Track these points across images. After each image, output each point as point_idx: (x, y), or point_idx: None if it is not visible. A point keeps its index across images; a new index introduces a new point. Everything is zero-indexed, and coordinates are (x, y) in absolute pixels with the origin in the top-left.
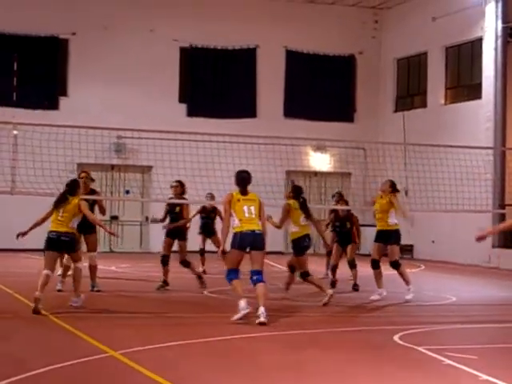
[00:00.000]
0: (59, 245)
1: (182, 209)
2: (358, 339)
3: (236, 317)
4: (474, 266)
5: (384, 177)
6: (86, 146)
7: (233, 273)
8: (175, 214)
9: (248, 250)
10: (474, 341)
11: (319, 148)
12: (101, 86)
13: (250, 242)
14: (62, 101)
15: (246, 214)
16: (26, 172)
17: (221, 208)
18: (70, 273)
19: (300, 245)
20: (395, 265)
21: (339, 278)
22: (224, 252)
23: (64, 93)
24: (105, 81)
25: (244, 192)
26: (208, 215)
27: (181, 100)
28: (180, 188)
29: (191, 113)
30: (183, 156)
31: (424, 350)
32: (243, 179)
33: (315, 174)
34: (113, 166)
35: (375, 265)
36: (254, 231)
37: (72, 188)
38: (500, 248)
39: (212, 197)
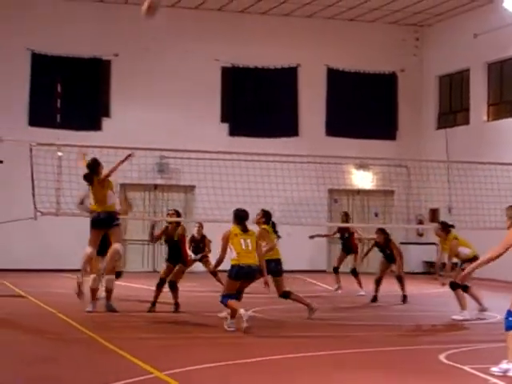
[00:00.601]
0: (99, 222)
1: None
2: (403, 358)
3: (244, 325)
4: None
5: (428, 195)
6: (130, 166)
7: (228, 296)
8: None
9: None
10: None
11: (362, 166)
12: (143, 106)
13: (245, 274)
14: (105, 122)
15: (243, 247)
16: (70, 193)
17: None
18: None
19: (278, 267)
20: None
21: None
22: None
23: (107, 114)
24: (147, 101)
25: (244, 229)
26: (197, 245)
27: (223, 120)
28: (176, 216)
29: (233, 132)
30: (226, 176)
31: (469, 369)
32: (241, 217)
33: (358, 192)
34: (156, 186)
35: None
36: (250, 266)
37: (93, 168)
38: None
39: (201, 226)
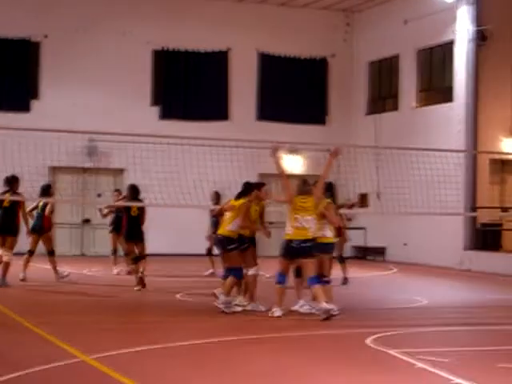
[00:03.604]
0: None
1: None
2: (329, 343)
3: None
4: (446, 268)
5: (357, 180)
6: (58, 149)
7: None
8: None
9: None
10: (445, 344)
11: (292, 151)
12: (73, 88)
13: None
14: (34, 103)
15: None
16: None
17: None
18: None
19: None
20: None
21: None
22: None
23: (35, 95)
24: (77, 83)
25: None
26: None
27: (153, 103)
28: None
29: (163, 116)
30: (155, 159)
31: (396, 354)
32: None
33: (288, 176)
34: (85, 169)
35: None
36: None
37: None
38: (472, 250)
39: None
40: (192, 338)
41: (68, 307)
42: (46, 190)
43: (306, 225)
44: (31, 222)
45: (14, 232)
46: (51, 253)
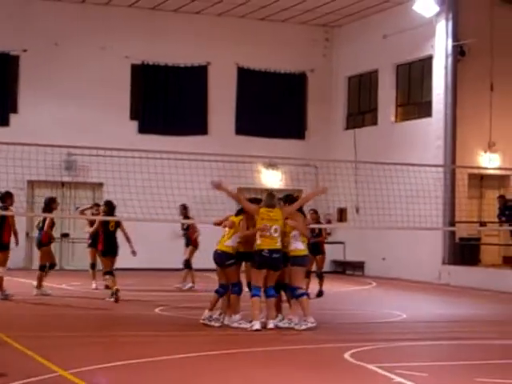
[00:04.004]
0: None
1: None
2: (308, 357)
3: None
4: (424, 282)
5: (335, 194)
6: (37, 163)
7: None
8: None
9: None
10: (423, 358)
11: (270, 165)
12: (52, 102)
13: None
14: (13, 118)
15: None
16: None
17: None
18: None
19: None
20: None
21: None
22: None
23: (14, 109)
24: (56, 98)
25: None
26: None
27: (132, 117)
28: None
29: (142, 130)
30: (134, 173)
31: (374, 368)
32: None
33: (266, 190)
34: (63, 183)
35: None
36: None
37: None
38: (451, 265)
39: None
40: (171, 353)
41: (47, 322)
42: (48, 205)
43: (274, 234)
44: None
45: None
46: (41, 267)
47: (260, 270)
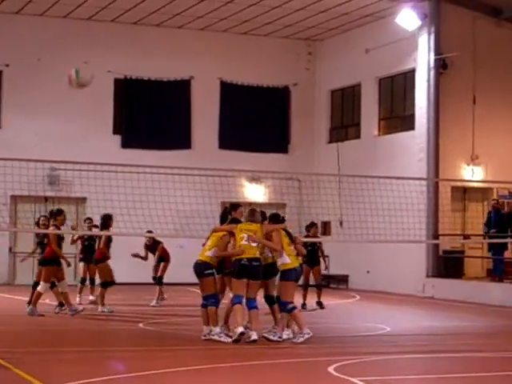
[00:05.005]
0: None
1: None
2: (292, 371)
3: None
4: (408, 295)
5: (318, 208)
6: (20, 178)
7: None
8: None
9: None
10: (407, 371)
11: (254, 179)
12: (34, 117)
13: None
14: None
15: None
16: None
17: None
18: None
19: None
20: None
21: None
22: None
23: None
24: (38, 112)
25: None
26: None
27: (115, 131)
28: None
29: (125, 144)
30: (117, 188)
31: (358, 382)
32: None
33: (250, 204)
34: (46, 198)
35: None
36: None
37: None
38: (435, 278)
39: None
40: (156, 367)
41: (30, 337)
42: (105, 221)
43: (253, 243)
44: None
45: None
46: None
47: (240, 279)
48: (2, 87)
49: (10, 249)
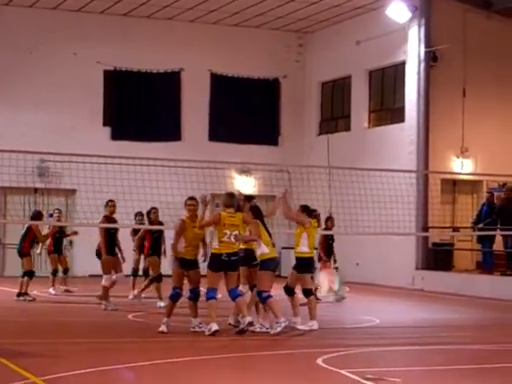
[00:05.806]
0: None
1: None
2: (280, 363)
3: None
4: (398, 288)
5: (308, 200)
6: (9, 169)
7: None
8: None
9: None
10: (396, 363)
11: (244, 171)
12: (24, 109)
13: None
14: None
15: None
16: None
17: None
18: None
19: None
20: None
21: None
22: None
23: None
24: (28, 104)
25: None
26: None
27: (105, 123)
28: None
29: (115, 136)
30: (107, 180)
31: (347, 373)
32: None
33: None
34: (36, 190)
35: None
36: None
37: None
38: (424, 270)
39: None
40: (145, 359)
41: (17, 329)
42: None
43: (233, 239)
44: None
45: None
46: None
47: (217, 272)
48: None
49: (0, 240)
